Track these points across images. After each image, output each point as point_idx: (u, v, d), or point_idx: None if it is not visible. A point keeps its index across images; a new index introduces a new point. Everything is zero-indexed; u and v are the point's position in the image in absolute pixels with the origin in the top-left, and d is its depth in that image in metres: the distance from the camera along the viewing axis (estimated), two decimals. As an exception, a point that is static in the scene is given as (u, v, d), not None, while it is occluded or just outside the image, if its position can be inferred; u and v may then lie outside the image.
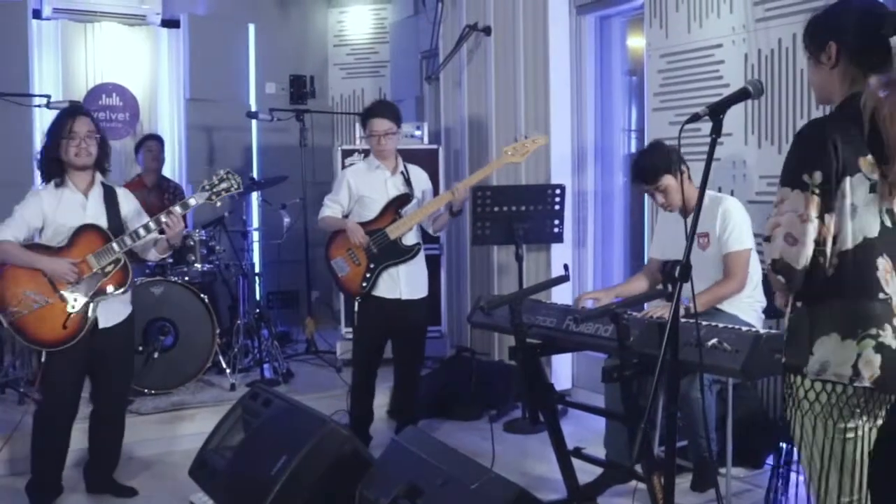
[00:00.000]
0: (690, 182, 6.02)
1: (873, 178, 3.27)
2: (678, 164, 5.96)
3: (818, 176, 3.21)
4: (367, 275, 6.94)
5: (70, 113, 6.01)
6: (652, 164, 6.01)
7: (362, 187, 7.06)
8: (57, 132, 5.87)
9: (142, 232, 5.91)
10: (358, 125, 8.60)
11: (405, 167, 7.19)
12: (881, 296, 3.29)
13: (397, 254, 6.96)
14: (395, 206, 7.00)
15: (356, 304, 7.14)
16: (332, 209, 7.11)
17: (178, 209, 6.00)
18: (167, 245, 6.16)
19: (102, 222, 5.94)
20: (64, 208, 5.89)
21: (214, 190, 6.12)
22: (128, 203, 6.18)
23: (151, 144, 9.71)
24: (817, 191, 3.21)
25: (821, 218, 3.23)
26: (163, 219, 5.92)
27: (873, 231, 3.29)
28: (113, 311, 6.04)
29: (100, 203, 6.01)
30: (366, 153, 7.68)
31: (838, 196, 3.24)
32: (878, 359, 3.25)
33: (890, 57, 3.34)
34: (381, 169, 7.08)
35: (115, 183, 6.36)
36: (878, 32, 3.35)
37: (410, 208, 7.02)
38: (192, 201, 6.08)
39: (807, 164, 3.24)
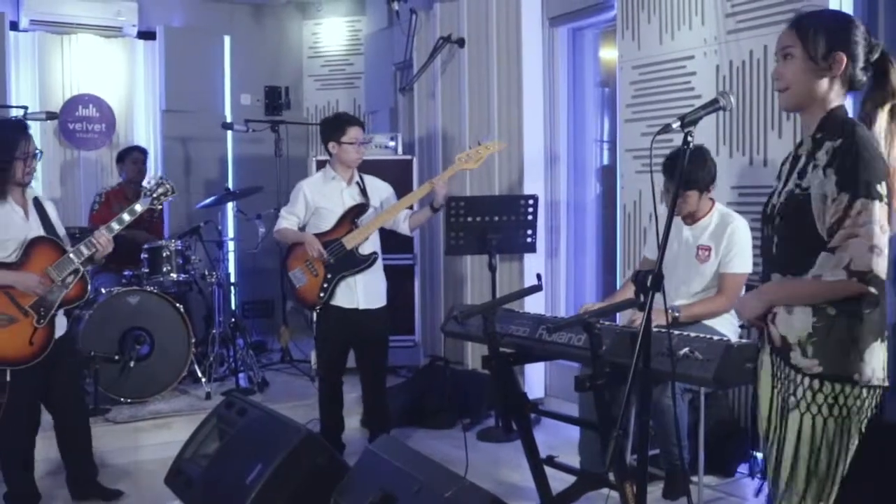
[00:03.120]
0: (710, 200, 6.05)
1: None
2: (711, 182, 5.97)
3: (884, 186, 3.24)
4: (325, 285, 6.95)
5: (21, 131, 5.95)
6: (694, 176, 5.86)
7: (318, 199, 7.07)
8: (8, 150, 5.79)
9: (94, 241, 5.90)
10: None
11: (360, 177, 7.19)
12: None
13: (354, 263, 6.98)
14: (352, 217, 7.01)
15: (314, 314, 7.16)
16: (288, 221, 7.11)
17: (125, 216, 6.04)
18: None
19: (44, 234, 5.95)
20: (7, 223, 5.83)
21: (154, 195, 6.20)
22: (55, 215, 6.19)
23: (138, 156, 9.75)
24: (885, 201, 3.23)
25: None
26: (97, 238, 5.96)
27: None
28: (60, 320, 6.05)
29: (36, 216, 6.00)
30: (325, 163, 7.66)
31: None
32: (886, 358, 3.38)
33: (865, 78, 3.45)
34: (338, 180, 7.09)
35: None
36: (871, 55, 3.44)
37: (367, 218, 7.04)
38: (138, 207, 6.12)
39: (877, 174, 3.24)
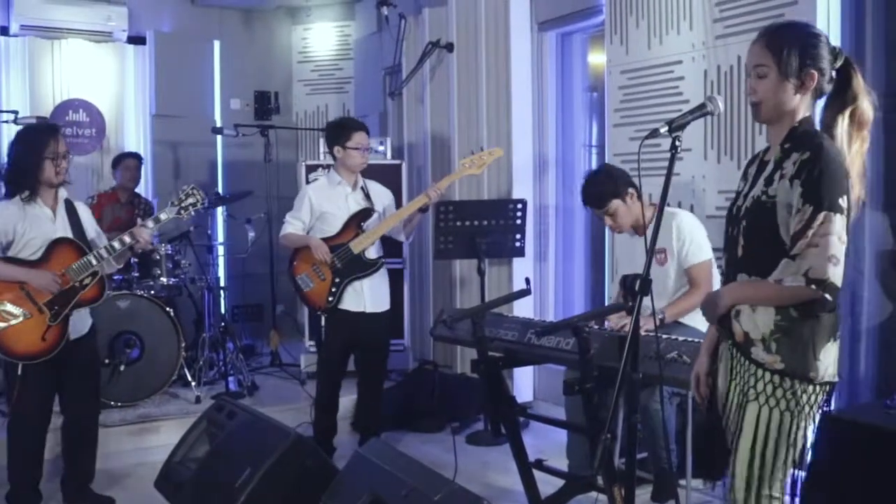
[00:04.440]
0: (639, 201, 6.11)
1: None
2: (625, 186, 6.07)
3: (846, 200, 3.39)
4: (333, 289, 6.98)
5: (51, 132, 5.98)
6: (599, 190, 6.11)
7: (324, 203, 7.10)
8: (37, 150, 5.84)
9: (117, 245, 5.92)
10: (322, 140, 8.63)
11: (364, 183, 7.24)
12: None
13: (361, 268, 7.02)
14: (357, 221, 7.04)
15: (323, 318, 7.17)
16: (293, 226, 7.13)
17: (150, 224, 6.07)
18: (127, 257, 6.21)
19: (69, 236, 5.97)
20: (33, 222, 5.88)
21: (182, 205, 6.16)
22: (88, 217, 6.23)
23: (130, 162, 9.77)
24: (845, 214, 3.38)
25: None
26: (138, 232, 5.98)
27: None
28: (81, 322, 6.08)
29: (65, 218, 6.03)
30: (329, 168, 7.70)
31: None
32: (838, 355, 3.56)
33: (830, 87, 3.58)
34: (343, 184, 7.12)
35: (80, 197, 6.38)
36: (835, 64, 3.55)
37: (372, 223, 7.08)
38: (163, 216, 6.12)
39: (841, 188, 3.39)
